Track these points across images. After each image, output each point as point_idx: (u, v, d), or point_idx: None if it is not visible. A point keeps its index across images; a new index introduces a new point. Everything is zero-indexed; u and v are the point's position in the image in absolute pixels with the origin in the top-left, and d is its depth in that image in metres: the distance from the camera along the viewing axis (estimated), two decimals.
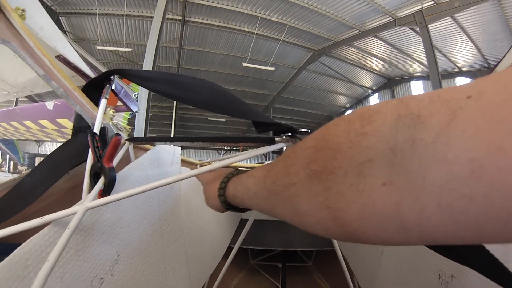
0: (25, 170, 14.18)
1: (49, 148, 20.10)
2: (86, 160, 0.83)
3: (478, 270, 0.43)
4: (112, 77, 0.97)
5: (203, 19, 9.62)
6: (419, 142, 0.21)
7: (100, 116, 0.89)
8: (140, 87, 5.88)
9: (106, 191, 0.76)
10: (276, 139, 0.77)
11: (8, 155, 12.07)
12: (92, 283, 0.78)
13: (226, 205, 0.59)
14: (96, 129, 0.86)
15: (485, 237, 0.20)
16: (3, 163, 14.23)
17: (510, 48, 1.54)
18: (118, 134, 0.76)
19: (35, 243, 0.63)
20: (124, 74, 0.92)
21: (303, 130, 0.75)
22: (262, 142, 0.79)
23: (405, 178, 0.22)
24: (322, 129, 0.32)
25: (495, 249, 0.43)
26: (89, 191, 0.77)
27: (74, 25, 9.53)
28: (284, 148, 0.80)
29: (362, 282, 1.58)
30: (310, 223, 0.33)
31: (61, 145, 0.95)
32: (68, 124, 2.20)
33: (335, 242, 1.59)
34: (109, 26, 9.63)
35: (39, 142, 19.62)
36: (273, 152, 0.92)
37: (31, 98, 9.91)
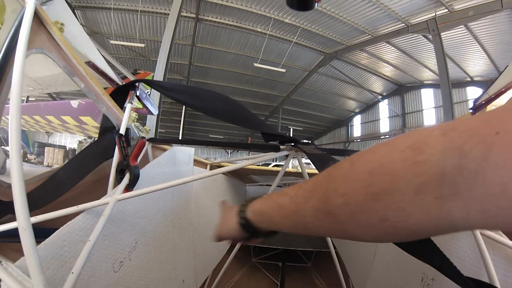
0: (34, 158, 14.66)
1: (58, 138, 20.50)
2: (111, 157, 0.95)
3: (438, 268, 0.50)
4: (137, 84, 1.09)
5: (216, 17, 9.70)
6: (465, 170, 0.28)
7: (126, 119, 1.01)
8: (152, 92, 6.08)
9: (130, 185, 0.88)
10: (281, 147, 0.89)
11: None
12: (113, 265, 0.91)
13: (245, 221, 0.58)
14: (122, 131, 0.98)
15: (505, 227, 0.29)
16: None
17: (505, 68, 1.60)
18: (143, 137, 0.88)
19: (71, 227, 0.76)
20: (149, 83, 1.04)
21: (304, 141, 0.86)
22: (269, 149, 0.90)
23: (454, 194, 0.29)
24: (371, 155, 0.38)
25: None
26: (114, 185, 0.89)
27: (89, 19, 9.73)
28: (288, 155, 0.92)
29: (356, 282, 1.67)
30: (363, 233, 0.39)
31: (89, 144, 1.08)
32: (89, 121, 2.32)
33: (330, 244, 1.68)
34: (123, 21, 9.78)
35: (48, 132, 19.89)
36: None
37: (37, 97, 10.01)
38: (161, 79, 6.18)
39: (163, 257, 1.18)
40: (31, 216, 0.66)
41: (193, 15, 9.51)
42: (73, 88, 2.20)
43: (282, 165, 1.42)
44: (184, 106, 14.74)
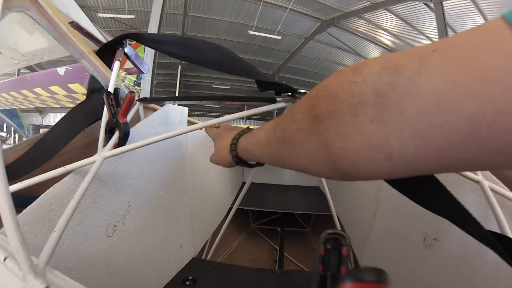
0: None
1: (52, 119, 20.26)
2: (100, 118, 0.90)
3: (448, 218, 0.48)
4: (124, 41, 1.03)
5: None
6: (398, 86, 0.27)
7: (114, 77, 0.96)
8: (145, 52, 5.91)
9: (120, 144, 0.83)
10: (277, 98, 0.84)
11: (13, 128, 12.07)
12: (106, 229, 0.88)
13: (237, 159, 0.63)
14: (111, 89, 0.92)
15: (450, 160, 0.27)
16: (8, 136, 14.32)
17: None
18: (132, 92, 0.82)
19: (59, 189, 0.72)
20: (138, 38, 0.97)
21: (302, 90, 0.82)
22: (265, 101, 0.86)
23: (388, 114, 0.28)
24: (322, 82, 0.38)
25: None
26: (105, 145, 0.85)
27: None
28: (285, 107, 0.88)
29: (355, 244, 1.67)
30: (312, 163, 0.39)
31: (77, 105, 1.03)
32: (79, 89, 2.25)
33: (332, 206, 1.67)
34: None
35: (42, 113, 19.67)
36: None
37: (31, 69, 9.78)
38: (154, 53, 6.05)
39: (159, 221, 1.16)
40: None
41: None
42: (59, 55, 2.11)
43: None
44: (178, 78, 14.58)
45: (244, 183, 2.76)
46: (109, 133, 0.86)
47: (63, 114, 1.06)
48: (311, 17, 11.13)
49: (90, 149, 0.99)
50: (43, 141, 0.99)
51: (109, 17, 10.03)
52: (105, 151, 0.77)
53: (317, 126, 0.36)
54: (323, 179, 1.85)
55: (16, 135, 13.62)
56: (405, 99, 0.27)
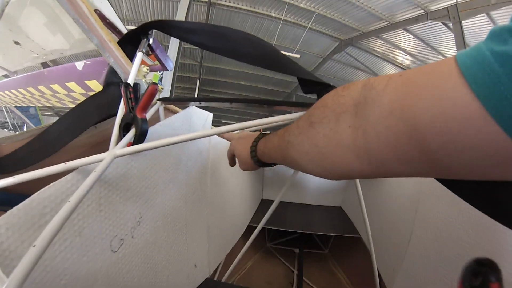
0: None
1: None
2: (115, 114, 0.77)
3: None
4: (150, 31, 0.91)
5: (229, 2, 9.44)
6: (369, 97, 0.35)
7: (135, 68, 0.84)
8: (168, 52, 5.88)
9: (136, 143, 0.70)
10: None
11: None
12: (111, 243, 0.73)
13: (257, 161, 0.70)
14: (130, 81, 0.80)
15: (402, 158, 0.33)
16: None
17: None
18: (155, 83, 0.70)
19: (56, 189, 0.58)
20: (164, 27, 0.86)
21: None
22: (301, 106, 0.73)
23: (360, 120, 0.36)
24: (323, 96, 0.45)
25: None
26: (117, 143, 0.72)
27: None
28: None
29: (384, 271, 1.51)
30: (308, 162, 0.47)
31: (91, 96, 0.90)
32: (96, 87, 2.17)
33: (361, 229, 1.53)
34: (134, 5, 9.49)
35: (59, 113, 20.09)
36: None
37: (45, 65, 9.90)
38: (176, 58, 6.04)
39: (174, 237, 1.02)
40: None
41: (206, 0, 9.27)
42: (77, 51, 2.05)
43: None
44: (197, 92, 14.64)
45: (262, 200, 2.63)
46: (124, 130, 0.73)
47: None
48: (330, 37, 11.14)
49: (101, 149, 0.85)
50: (47, 133, 0.86)
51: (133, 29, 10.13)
52: (116, 149, 0.64)
53: (311, 131, 0.44)
54: (346, 199, 1.79)
55: None
56: (372, 107, 0.34)
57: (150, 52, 1.00)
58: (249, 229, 1.59)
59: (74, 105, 0.89)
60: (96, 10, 1.06)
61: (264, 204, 2.63)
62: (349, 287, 2.17)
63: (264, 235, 2.71)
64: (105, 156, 0.61)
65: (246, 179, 2.08)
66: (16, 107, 6.92)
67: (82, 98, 3.17)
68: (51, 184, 0.57)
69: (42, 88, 2.50)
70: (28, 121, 8.85)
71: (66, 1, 0.81)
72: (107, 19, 1.08)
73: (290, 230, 2.27)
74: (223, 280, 1.56)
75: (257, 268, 2.34)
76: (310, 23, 10.21)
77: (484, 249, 0.89)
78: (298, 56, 10.89)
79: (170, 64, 1.04)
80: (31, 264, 0.40)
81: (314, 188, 2.87)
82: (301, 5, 9.38)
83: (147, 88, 0.70)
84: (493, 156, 0.26)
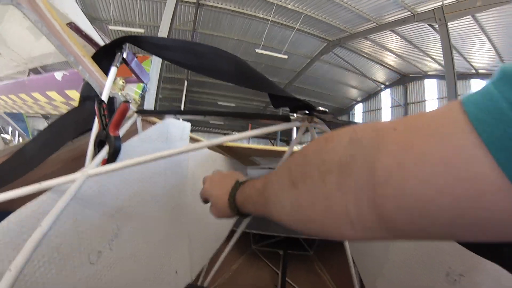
0: None
1: None
2: (90, 129, 0.79)
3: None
4: (124, 45, 0.93)
5: (217, 3, 9.45)
6: (358, 157, 0.30)
7: (109, 83, 0.85)
8: (152, 64, 5.84)
9: (110, 160, 0.72)
10: (291, 117, 0.73)
11: (17, 131, 12.07)
12: (89, 256, 0.75)
13: (238, 214, 0.64)
14: (104, 97, 0.82)
15: (399, 226, 0.27)
16: (12, 139, 14.31)
17: None
18: (127, 101, 0.72)
19: (32, 210, 0.60)
20: (138, 42, 0.87)
21: (321, 108, 0.71)
22: (277, 119, 0.75)
23: (349, 183, 0.30)
24: (300, 150, 0.41)
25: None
26: (93, 160, 0.74)
27: (87, 4, 9.31)
28: (295, 128, 0.77)
29: (365, 275, 1.54)
30: (291, 222, 0.41)
31: (67, 112, 0.92)
32: (76, 96, 2.17)
33: None
34: (122, 6, 9.46)
35: (48, 119, 19.79)
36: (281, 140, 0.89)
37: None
38: (160, 67, 5.95)
39: (153, 246, 1.03)
40: None
41: (194, 0, 9.23)
42: (57, 60, 2.05)
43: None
44: (184, 93, 14.56)
45: None
46: (99, 146, 0.75)
47: None
48: (318, 38, 11.23)
49: (79, 164, 0.87)
50: (24, 150, 0.87)
51: (120, 30, 10.06)
52: (89, 168, 0.66)
53: (294, 191, 0.38)
54: None
55: (20, 138, 13.60)
56: (363, 170, 0.29)
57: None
58: (233, 233, 1.61)
59: (56, 112, 0.91)
60: (71, 23, 1.07)
61: None
62: None
63: (249, 238, 2.71)
64: (78, 177, 0.63)
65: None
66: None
67: (64, 106, 3.18)
68: (26, 204, 0.59)
69: (23, 95, 2.50)
70: (12, 122, 8.75)
71: (38, 19, 0.82)
72: (83, 31, 1.09)
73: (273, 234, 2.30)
74: (205, 285, 1.58)
75: (242, 271, 2.35)
76: (298, 24, 10.26)
77: (465, 256, 0.93)
78: (286, 57, 10.96)
79: (146, 77, 1.06)
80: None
81: None
82: (289, 6, 9.40)
83: (119, 106, 0.72)
84: None
